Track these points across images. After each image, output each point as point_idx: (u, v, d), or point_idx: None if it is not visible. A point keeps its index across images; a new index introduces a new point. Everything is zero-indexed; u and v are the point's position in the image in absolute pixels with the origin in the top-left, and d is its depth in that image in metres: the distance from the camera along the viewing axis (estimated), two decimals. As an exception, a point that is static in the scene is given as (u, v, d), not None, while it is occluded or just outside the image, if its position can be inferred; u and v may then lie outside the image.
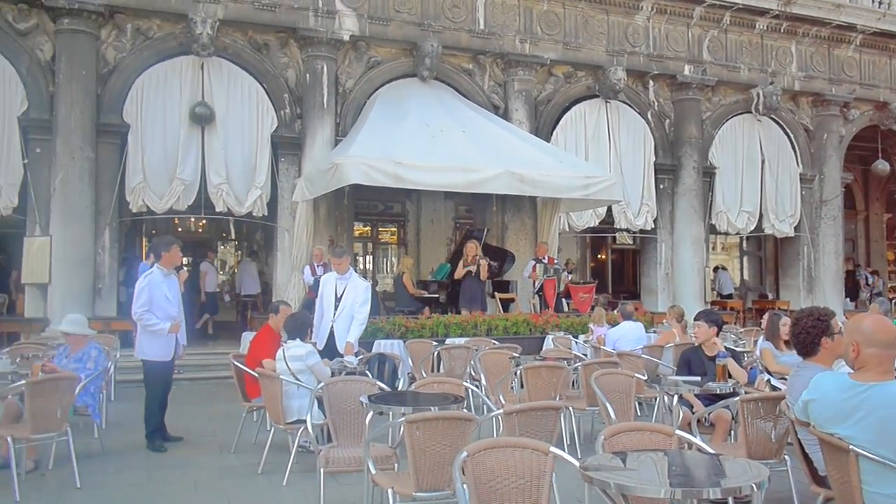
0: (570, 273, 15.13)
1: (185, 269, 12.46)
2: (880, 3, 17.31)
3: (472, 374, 8.08)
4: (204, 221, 17.13)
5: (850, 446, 3.17)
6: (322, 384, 5.41)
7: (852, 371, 3.35)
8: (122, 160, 12.00)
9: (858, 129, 17.72)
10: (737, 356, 6.29)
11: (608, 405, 5.57)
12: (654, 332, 10.85)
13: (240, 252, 19.40)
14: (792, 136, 16.91)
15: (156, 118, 12.13)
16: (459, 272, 12.09)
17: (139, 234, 15.91)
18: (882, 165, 17.84)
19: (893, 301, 14.59)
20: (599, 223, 15.23)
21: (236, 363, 6.89)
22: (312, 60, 12.96)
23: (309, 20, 12.79)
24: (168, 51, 12.45)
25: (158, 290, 6.75)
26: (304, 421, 5.48)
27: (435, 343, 9.12)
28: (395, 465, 4.74)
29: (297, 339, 6.26)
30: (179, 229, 17.61)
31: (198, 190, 12.24)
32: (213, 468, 6.21)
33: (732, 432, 5.62)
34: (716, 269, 20.05)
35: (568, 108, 14.97)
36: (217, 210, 12.58)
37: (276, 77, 13.02)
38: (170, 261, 6.95)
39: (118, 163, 12.02)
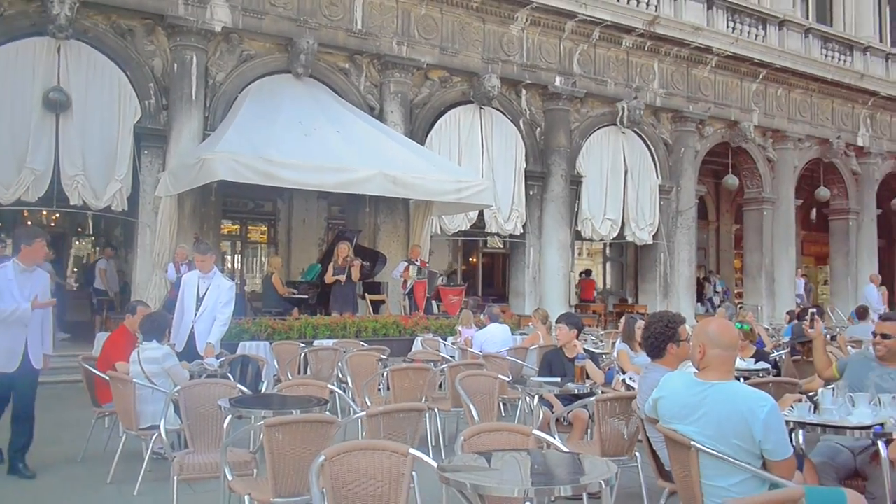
0: (442, 277, 15.29)
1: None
2: (734, 29, 18.60)
3: (340, 376, 7.99)
4: (57, 215, 16.04)
5: (692, 442, 3.37)
6: (178, 387, 5.18)
7: (698, 371, 3.56)
8: (-37, 146, 11.06)
9: (712, 145, 18.92)
10: (595, 357, 6.55)
11: (472, 406, 5.65)
12: (522, 334, 11.13)
13: (97, 248, 18.31)
14: (653, 148, 17.83)
15: (3, 102, 11.20)
16: (329, 277, 11.93)
17: (-19, 226, 14.71)
18: (731, 180, 19.14)
19: (738, 306, 15.66)
20: (471, 227, 15.47)
21: (86, 366, 6.49)
22: (181, 50, 12.42)
23: (178, 8, 12.25)
24: (20, 30, 11.54)
25: (6, 287, 5.84)
26: (159, 426, 5.23)
27: (302, 345, 8.95)
28: (255, 470, 4.61)
29: (154, 341, 5.97)
30: (29, 222, 16.42)
31: (50, 181, 11.43)
32: (57, 479, 5.82)
33: (589, 431, 5.84)
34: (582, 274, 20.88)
35: (443, 113, 15.12)
36: (72, 203, 11.80)
37: (141, 65, 12.39)
38: (30, 256, 5.96)
39: (-42, 149, 11.06)
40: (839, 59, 20.85)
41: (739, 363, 6.90)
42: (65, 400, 9.03)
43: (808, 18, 20.90)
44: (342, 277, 11.85)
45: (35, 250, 6.01)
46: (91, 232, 18.38)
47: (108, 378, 5.97)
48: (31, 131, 11.27)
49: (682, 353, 4.39)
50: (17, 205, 11.73)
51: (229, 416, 4.70)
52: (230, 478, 4.13)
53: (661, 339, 4.43)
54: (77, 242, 18.28)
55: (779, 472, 3.24)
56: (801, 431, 4.33)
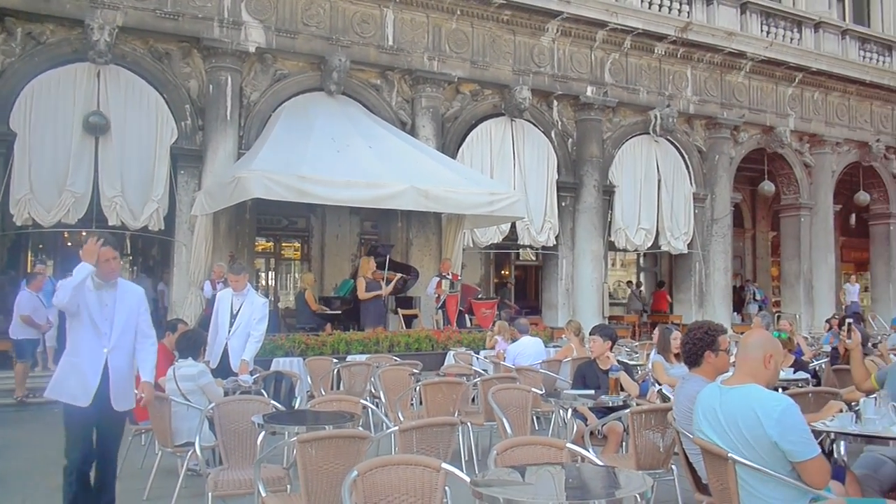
0: (480, 293, 15.28)
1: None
2: (768, 33, 18.36)
3: (373, 391, 8.00)
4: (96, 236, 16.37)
5: (728, 454, 3.31)
6: (213, 404, 5.23)
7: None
8: (7, 170, 11.35)
9: (747, 152, 18.67)
10: (629, 369, 6.48)
11: (504, 420, 5.61)
12: (556, 346, 11.05)
13: (135, 267, 18.63)
14: (686, 156, 17.65)
15: (46, 127, 11.54)
16: (364, 294, 11.96)
17: (24, 248, 15.06)
18: (768, 186, 18.84)
19: (776, 315, 15.37)
20: (503, 239, 15.44)
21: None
22: (216, 71, 12.66)
23: (213, 30, 12.50)
24: (62, 57, 11.88)
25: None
26: (194, 443, 5.28)
27: (335, 360, 8.99)
28: (288, 486, 4.62)
29: (189, 358, 6.05)
30: (69, 244, 16.78)
31: (90, 202, 11.70)
32: (96, 495, 5.88)
33: (624, 444, 5.76)
34: (629, 283, 20.77)
35: (474, 126, 15.16)
36: (110, 224, 12.03)
37: (178, 87, 12.64)
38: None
39: (2, 173, 11.34)
40: (878, 61, 20.45)
41: (778, 373, 6.77)
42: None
43: (844, 20, 20.53)
44: (381, 292, 11.92)
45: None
46: (129, 251, 18.71)
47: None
48: (72, 154, 11.56)
49: (720, 363, 4.30)
50: (58, 226, 12.01)
51: (263, 433, 4.73)
52: (264, 494, 4.15)
53: (699, 346, 4.35)
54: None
55: (806, 475, 3.16)
56: (842, 442, 4.23)
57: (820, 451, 3.21)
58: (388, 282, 12.17)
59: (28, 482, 6.28)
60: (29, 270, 13.49)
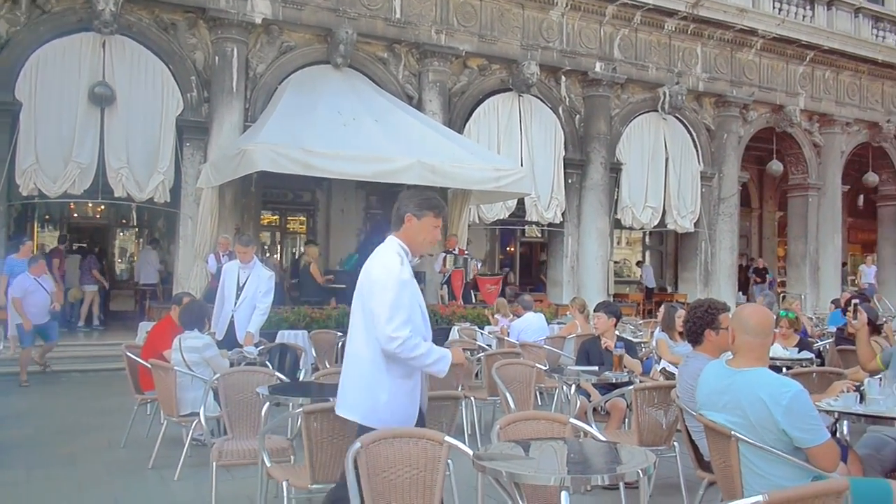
0: (478, 262, 15.23)
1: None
2: (780, 10, 18.12)
3: (378, 364, 8.01)
4: (102, 207, 16.41)
5: (731, 432, 3.30)
6: (218, 375, 5.25)
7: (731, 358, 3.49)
8: (13, 140, 11.31)
9: (756, 131, 18.51)
10: (632, 346, 6.47)
11: (508, 395, 5.63)
12: (560, 323, 11.05)
13: (140, 239, 18.68)
14: (695, 134, 17.52)
15: (51, 97, 11.49)
16: None
17: (30, 219, 15.09)
18: (776, 166, 18.71)
19: (781, 295, 15.33)
20: (509, 216, 15.39)
21: (129, 354, 6.61)
22: (222, 43, 12.56)
23: (220, 1, 12.38)
24: (67, 26, 11.80)
25: None
26: (199, 413, 5.31)
27: (340, 334, 8.99)
28: (292, 457, 4.65)
29: (195, 330, 6.07)
30: (76, 214, 16.85)
31: (95, 174, 11.68)
32: (101, 464, 5.94)
33: (627, 420, 5.77)
34: (639, 264, 20.73)
35: (481, 101, 15.05)
36: (116, 195, 12.04)
37: (184, 59, 12.56)
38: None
39: (8, 143, 11.31)
40: (891, 40, 20.18)
41: (782, 352, 6.76)
42: (108, 387, 9.23)
43: (857, -2, 20.25)
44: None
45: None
46: (135, 223, 18.76)
47: (150, 366, 6.08)
48: (77, 125, 11.52)
49: (721, 341, 4.28)
50: (64, 197, 12.00)
51: (267, 404, 4.75)
52: (268, 464, 4.17)
53: (699, 324, 4.34)
54: (121, 234, 18.67)
55: (816, 460, 3.14)
56: (846, 422, 4.22)
57: (829, 435, 3.19)
58: None
59: (35, 450, 6.34)
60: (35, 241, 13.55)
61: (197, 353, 5.85)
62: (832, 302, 13.72)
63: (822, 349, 8.55)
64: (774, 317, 7.85)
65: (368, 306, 3.46)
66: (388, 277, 3.44)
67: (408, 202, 3.65)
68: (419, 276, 12.86)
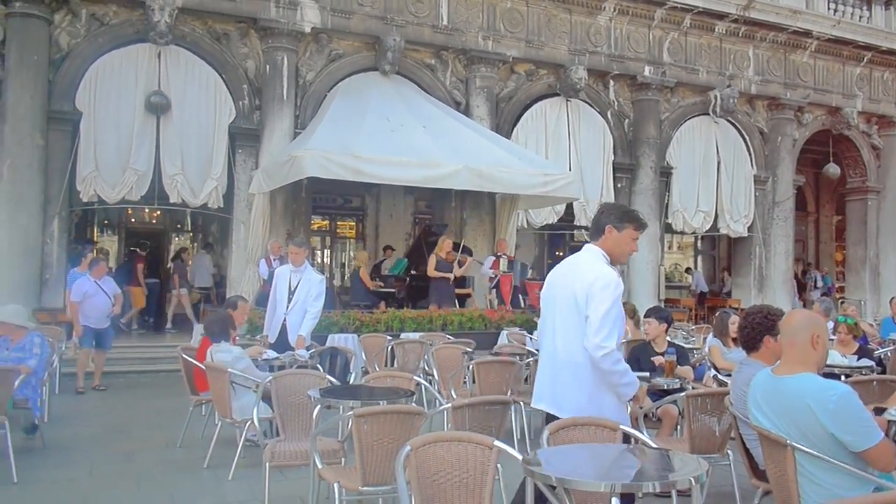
0: (532, 269, 15.20)
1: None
2: (835, 11, 17.69)
3: (426, 368, 8.06)
4: (158, 212, 16.84)
5: (787, 441, 3.23)
6: (270, 376, 5.34)
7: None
8: (74, 148, 11.71)
9: (811, 133, 18.10)
10: (684, 353, 6.38)
11: (557, 400, 5.57)
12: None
13: (195, 244, 19.10)
14: (747, 138, 17.20)
15: (109, 106, 11.86)
16: (433, 272, 11.91)
17: (90, 224, 15.56)
18: (833, 169, 18.25)
19: (840, 301, 14.93)
20: (558, 220, 15.31)
21: (185, 356, 6.76)
22: (273, 52, 12.80)
23: (270, 11, 12.62)
24: (124, 38, 12.18)
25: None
26: (251, 417, 5.40)
27: (389, 338, 9.08)
28: (343, 459, 4.70)
29: (223, 342, 6.11)
30: (133, 220, 17.31)
31: (151, 180, 12.00)
32: (158, 462, 6.10)
33: (679, 427, 5.69)
34: (688, 271, 20.40)
35: (529, 106, 15.02)
36: (171, 201, 12.36)
37: (236, 67, 12.83)
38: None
39: (69, 151, 11.73)
40: (953, 39, 19.52)
41: (841, 360, 6.59)
42: (165, 388, 9.45)
43: (917, -4, 19.65)
44: (449, 275, 11.88)
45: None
46: (189, 228, 19.20)
47: (204, 368, 6.20)
48: (134, 133, 11.86)
49: (778, 347, 4.20)
50: (121, 203, 12.37)
51: (319, 406, 4.81)
52: (320, 465, 4.22)
53: (758, 330, 4.25)
54: (176, 238, 19.12)
55: (871, 462, 3.05)
56: (907, 432, 4.09)
57: (882, 434, 3.10)
58: (461, 264, 12.16)
59: (95, 448, 6.53)
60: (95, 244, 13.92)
61: (229, 367, 5.91)
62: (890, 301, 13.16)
63: (882, 357, 8.29)
64: (831, 323, 7.67)
65: (584, 312, 3.58)
66: (608, 289, 3.57)
67: (609, 214, 3.80)
68: (467, 280, 12.92)
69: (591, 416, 3.64)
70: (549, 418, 3.74)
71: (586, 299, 3.57)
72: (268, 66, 12.80)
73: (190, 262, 15.29)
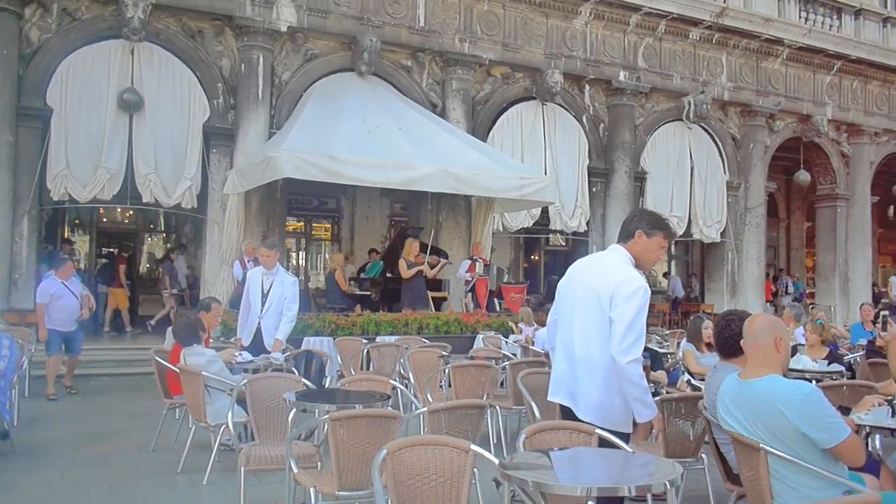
0: (505, 272, 15.24)
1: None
2: (806, 20, 17.98)
3: (402, 372, 8.04)
4: (131, 212, 16.62)
5: (760, 445, 3.27)
6: (245, 380, 5.29)
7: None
8: (44, 146, 11.52)
9: (783, 140, 18.35)
10: (658, 357, 6.43)
11: (533, 404, 5.60)
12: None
13: (168, 245, 18.88)
14: (720, 144, 17.40)
15: (81, 103, 11.67)
16: (406, 272, 11.87)
17: (61, 223, 15.31)
18: (803, 176, 18.53)
19: (811, 307, 15.15)
20: (533, 224, 15.37)
21: (158, 359, 6.68)
22: (248, 50, 12.70)
23: (246, 9, 12.52)
24: (97, 33, 12.00)
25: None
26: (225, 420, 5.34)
27: (365, 341, 9.04)
28: (318, 463, 4.67)
29: (195, 345, 6.05)
30: (105, 219, 17.07)
31: (124, 179, 11.83)
32: (131, 467, 6.02)
33: (653, 431, 5.71)
34: (666, 275, 20.55)
35: (505, 109, 15.06)
36: (144, 201, 12.20)
37: (210, 66, 12.71)
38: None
39: (40, 148, 11.53)
40: (920, 50, 19.94)
41: (811, 365, 6.68)
42: (138, 391, 9.32)
43: (886, 7, 20.00)
44: (423, 268, 11.84)
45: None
46: (162, 228, 18.97)
47: (177, 371, 6.14)
48: (106, 131, 11.69)
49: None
50: (93, 202, 12.18)
51: (294, 410, 4.77)
52: (295, 470, 4.19)
53: (739, 337, 4.27)
54: (149, 239, 18.89)
55: (842, 457, 3.12)
56: (878, 436, 4.16)
57: (850, 430, 3.15)
58: (432, 266, 12.13)
59: (67, 452, 6.43)
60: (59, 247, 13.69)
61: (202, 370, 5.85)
62: (861, 307, 13.37)
63: (852, 362, 8.43)
64: (801, 328, 7.77)
65: (607, 314, 3.55)
66: (637, 295, 3.53)
67: (641, 219, 3.80)
68: (442, 283, 12.92)
69: (602, 415, 3.68)
70: (564, 412, 3.80)
71: (610, 300, 3.55)
72: (243, 65, 12.70)
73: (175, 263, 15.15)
